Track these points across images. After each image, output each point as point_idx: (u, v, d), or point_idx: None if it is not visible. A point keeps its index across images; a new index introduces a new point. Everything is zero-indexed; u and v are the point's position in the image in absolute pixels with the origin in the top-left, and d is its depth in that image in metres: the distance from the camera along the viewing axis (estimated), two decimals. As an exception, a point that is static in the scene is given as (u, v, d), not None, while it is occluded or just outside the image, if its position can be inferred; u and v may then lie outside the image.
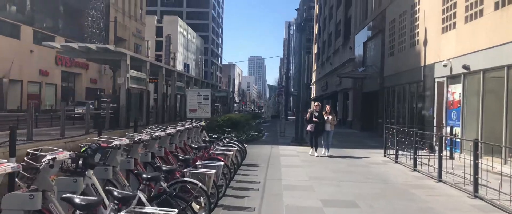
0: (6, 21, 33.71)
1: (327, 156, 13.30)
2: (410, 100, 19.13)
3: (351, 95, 32.30)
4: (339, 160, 12.76)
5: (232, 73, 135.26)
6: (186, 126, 8.86)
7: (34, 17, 37.44)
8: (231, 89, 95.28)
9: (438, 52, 15.22)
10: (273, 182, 8.85)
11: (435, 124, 15.45)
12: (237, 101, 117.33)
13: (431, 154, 11.79)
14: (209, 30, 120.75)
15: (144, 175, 4.37)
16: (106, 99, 18.30)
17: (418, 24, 17.56)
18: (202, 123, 10.58)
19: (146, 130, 6.89)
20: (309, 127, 13.36)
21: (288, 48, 54.11)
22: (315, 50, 67.15)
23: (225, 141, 10.66)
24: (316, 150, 13.34)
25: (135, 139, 5.82)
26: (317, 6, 65.51)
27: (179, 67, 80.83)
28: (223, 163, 6.62)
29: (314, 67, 66.68)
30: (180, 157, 5.87)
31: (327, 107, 14.18)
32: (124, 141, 5.17)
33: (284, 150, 15.25)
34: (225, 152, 7.92)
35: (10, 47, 33.29)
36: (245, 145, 11.17)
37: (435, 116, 15.62)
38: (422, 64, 16.95)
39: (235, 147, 9.40)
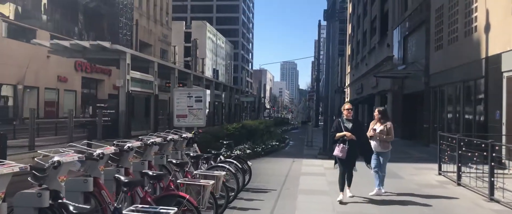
0: (20, 25, 32.33)
1: (378, 193, 7.96)
2: (465, 101, 15.60)
3: (390, 98, 28.72)
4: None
5: (263, 79, 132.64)
6: (151, 141, 5.99)
7: (50, 22, 36.08)
8: (262, 95, 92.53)
9: (509, 38, 11.76)
10: (280, 224, 5.85)
11: (504, 132, 11.96)
12: (268, 107, 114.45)
13: (505, 173, 8.46)
14: (239, 36, 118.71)
15: None
16: (102, 105, 15.82)
17: (476, 7, 14.09)
18: (187, 135, 7.69)
19: (42, 151, 4.07)
20: (337, 151, 7.20)
21: (319, 49, 50.79)
22: (348, 51, 63.46)
23: (221, 158, 7.78)
24: (349, 187, 7.64)
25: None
26: (350, 4, 61.91)
27: (208, 72, 78.95)
28: (175, 210, 3.68)
29: (348, 69, 62.93)
30: (71, 208, 3.02)
31: (376, 112, 8.13)
32: None
33: (307, 165, 12.19)
34: (202, 182, 5.00)
35: (25, 53, 31.79)
36: (250, 163, 8.21)
37: (503, 121, 12.11)
38: (483, 55, 13.48)
39: (226, 168, 6.50)
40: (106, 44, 15.47)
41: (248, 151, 13.33)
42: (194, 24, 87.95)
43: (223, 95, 36.92)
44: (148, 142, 6.00)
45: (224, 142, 8.36)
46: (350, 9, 62.66)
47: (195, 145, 8.35)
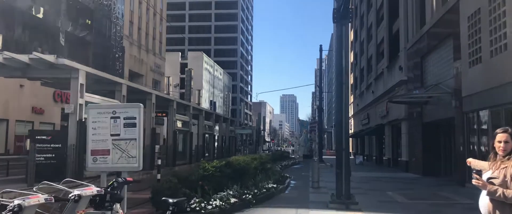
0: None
1: None
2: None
3: (405, 128, 24.95)
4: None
5: (262, 111, 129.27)
6: None
7: (23, 44, 32.75)
8: (261, 127, 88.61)
9: None
10: None
11: None
12: (268, 140, 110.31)
13: None
14: (237, 67, 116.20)
15: None
16: (43, 137, 12.04)
17: (537, 2, 10.62)
18: (87, 192, 3.88)
19: None
20: None
21: (320, 78, 47.46)
22: (351, 80, 60.26)
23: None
24: None
25: None
26: (352, 32, 59.21)
27: (205, 104, 75.45)
28: None
29: (351, 99, 59.47)
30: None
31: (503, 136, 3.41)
32: None
33: (318, 223, 8.32)
34: None
35: (-6, 82, 28.30)
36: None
37: None
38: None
39: None
40: (51, 58, 11.88)
41: (233, 199, 9.48)
42: (190, 55, 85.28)
43: (217, 127, 33.21)
44: None
45: (170, 201, 4.47)
46: (351, 37, 59.96)
47: (118, 205, 4.54)
